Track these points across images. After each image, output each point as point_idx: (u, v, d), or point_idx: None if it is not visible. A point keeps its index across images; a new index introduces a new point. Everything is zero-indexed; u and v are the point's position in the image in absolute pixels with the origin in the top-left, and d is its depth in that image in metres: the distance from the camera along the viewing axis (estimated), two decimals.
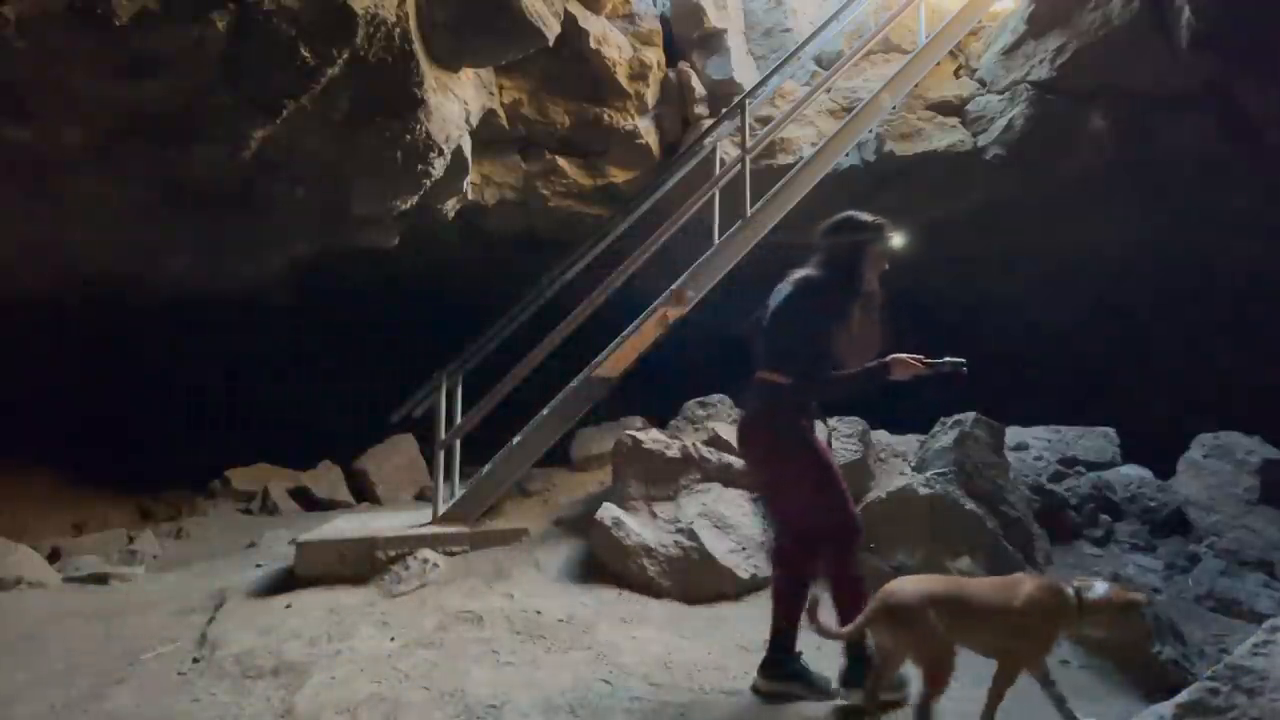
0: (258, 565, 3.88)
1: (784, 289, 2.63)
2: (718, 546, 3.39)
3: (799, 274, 2.63)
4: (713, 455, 3.83)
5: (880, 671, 2.34)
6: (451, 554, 3.61)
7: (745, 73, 5.47)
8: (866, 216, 2.67)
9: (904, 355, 2.47)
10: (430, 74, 3.72)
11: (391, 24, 3.28)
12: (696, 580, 3.33)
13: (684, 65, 5.47)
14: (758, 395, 2.59)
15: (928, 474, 3.50)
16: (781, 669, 2.53)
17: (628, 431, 3.89)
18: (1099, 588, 2.26)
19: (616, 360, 3.99)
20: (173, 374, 6.75)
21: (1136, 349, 6.58)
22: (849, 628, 2.31)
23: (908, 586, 2.26)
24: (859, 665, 2.45)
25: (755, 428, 2.62)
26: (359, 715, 2.35)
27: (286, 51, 3.05)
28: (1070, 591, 2.22)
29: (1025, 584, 2.27)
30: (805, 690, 2.50)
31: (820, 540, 2.54)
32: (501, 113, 4.95)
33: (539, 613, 3.05)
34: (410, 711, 2.36)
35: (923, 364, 2.47)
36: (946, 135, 5.07)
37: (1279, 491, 3.94)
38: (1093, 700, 2.59)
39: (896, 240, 2.79)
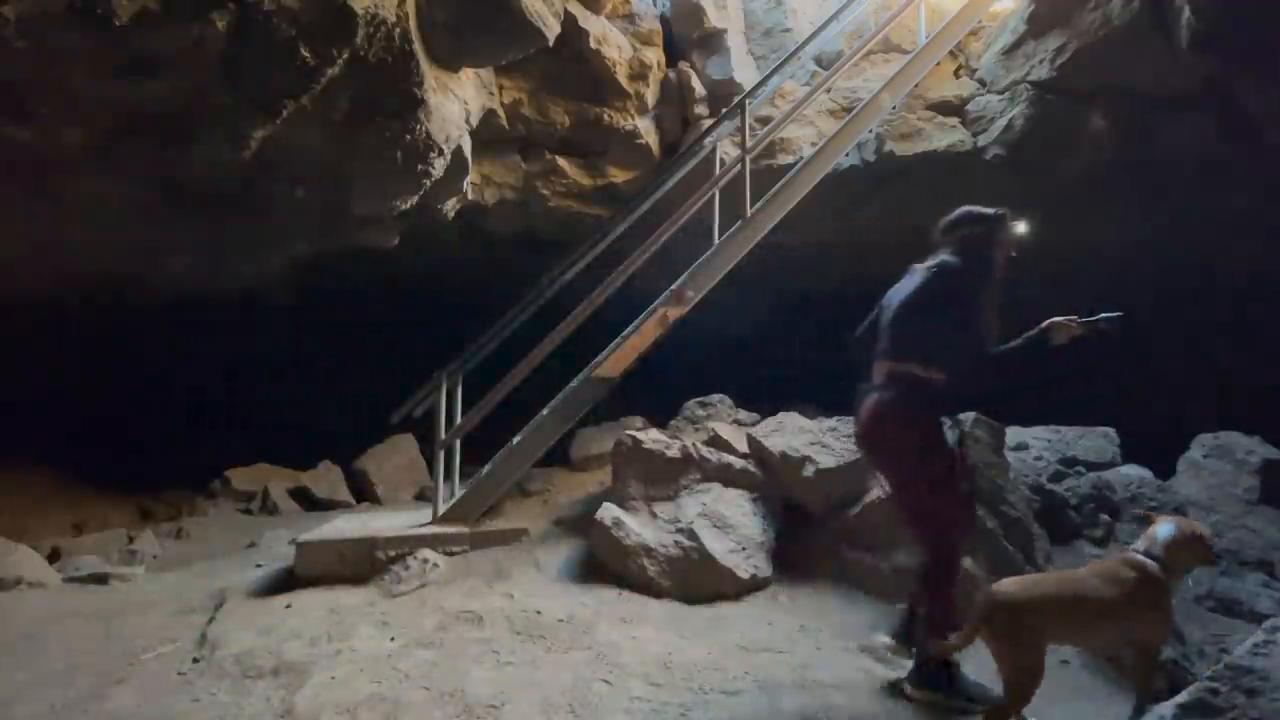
0: (258, 565, 3.88)
1: (920, 282, 2.58)
2: (718, 546, 3.39)
3: (936, 267, 2.57)
4: (713, 455, 3.83)
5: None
6: (451, 554, 3.62)
7: (745, 73, 5.47)
8: (988, 209, 2.66)
9: (1059, 318, 2.44)
10: (430, 74, 3.71)
11: (391, 24, 3.27)
12: (696, 580, 3.33)
13: (684, 65, 5.47)
14: (893, 388, 2.52)
15: None
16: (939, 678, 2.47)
17: (628, 431, 3.89)
18: (1161, 534, 2.26)
19: (616, 360, 3.99)
20: (173, 374, 6.76)
21: (1136, 349, 6.58)
22: (959, 638, 2.25)
23: (1014, 588, 2.21)
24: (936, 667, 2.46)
25: (889, 421, 2.53)
26: (359, 715, 2.35)
27: (286, 51, 3.04)
28: (1150, 563, 2.21)
29: (1117, 570, 2.25)
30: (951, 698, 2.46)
31: (930, 541, 2.50)
32: (501, 113, 4.95)
33: (539, 613, 3.05)
34: (410, 711, 2.37)
35: (1079, 325, 2.43)
36: (946, 135, 5.07)
37: (1279, 491, 3.94)
38: (1092, 700, 2.60)
39: (1021, 228, 2.76)
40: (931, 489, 2.48)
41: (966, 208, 2.70)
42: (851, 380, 2.75)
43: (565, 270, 4.43)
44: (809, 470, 3.63)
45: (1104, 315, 2.45)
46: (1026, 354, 2.43)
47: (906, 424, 2.50)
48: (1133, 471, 4.14)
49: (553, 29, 4.01)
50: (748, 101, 4.58)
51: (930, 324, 2.48)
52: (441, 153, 4.04)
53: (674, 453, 3.77)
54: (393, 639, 2.87)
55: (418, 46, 3.50)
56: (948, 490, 2.50)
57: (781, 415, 4.07)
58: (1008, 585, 2.23)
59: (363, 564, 3.49)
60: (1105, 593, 2.20)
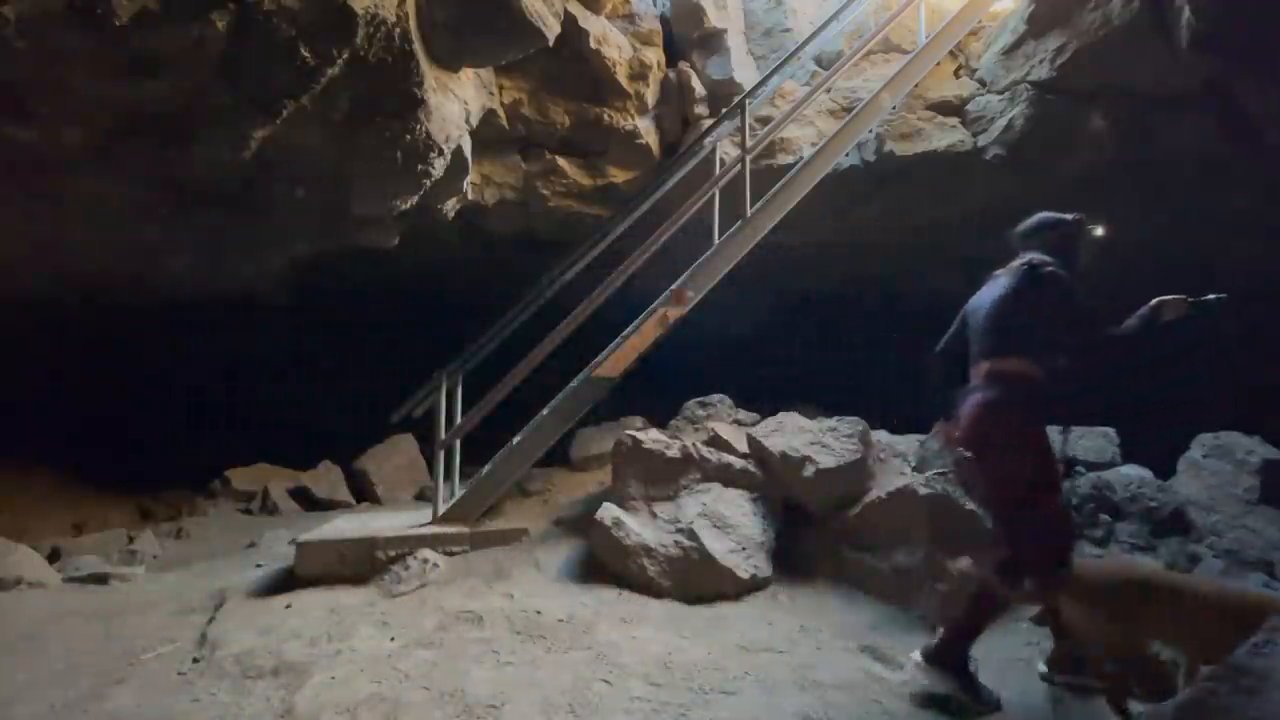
0: (258, 565, 3.89)
1: (1017, 280, 2.58)
2: (718, 546, 3.39)
3: (1027, 265, 2.57)
4: (713, 455, 3.83)
5: (1059, 649, 2.37)
6: (451, 554, 3.62)
7: (745, 73, 5.47)
8: (1064, 214, 2.72)
9: (1167, 296, 2.47)
10: (430, 74, 3.72)
11: (391, 24, 3.28)
12: (696, 580, 3.33)
13: (684, 65, 5.47)
14: (1000, 387, 2.51)
15: (928, 474, 3.50)
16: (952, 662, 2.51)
17: (628, 431, 3.89)
18: None
19: (616, 360, 3.99)
20: (173, 374, 6.76)
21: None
22: (1048, 602, 2.29)
23: (1111, 566, 2.22)
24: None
25: (999, 419, 2.49)
26: (359, 715, 2.35)
27: (286, 51, 3.04)
28: None
29: (1254, 599, 2.16)
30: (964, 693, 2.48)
31: (1031, 546, 2.48)
32: (501, 113, 4.95)
33: (539, 613, 3.05)
34: (410, 711, 2.37)
35: (1188, 302, 2.46)
36: (946, 135, 5.07)
37: (1279, 491, 3.93)
38: (1091, 699, 2.59)
39: (1099, 232, 2.83)
40: (1038, 489, 2.46)
41: (1043, 213, 2.73)
42: (929, 395, 2.78)
43: (565, 270, 4.43)
44: (809, 470, 3.63)
45: (1210, 296, 2.49)
46: (1140, 332, 2.45)
47: (1017, 420, 2.48)
48: (1133, 471, 4.13)
49: (553, 29, 4.01)
50: (748, 101, 4.58)
51: (1038, 317, 2.49)
52: (441, 153, 4.04)
53: (674, 453, 3.77)
54: (393, 639, 2.87)
55: (418, 46, 3.50)
56: (1054, 490, 2.50)
57: (781, 415, 4.07)
58: (1103, 563, 2.22)
59: (363, 564, 3.49)
60: (1208, 602, 2.13)
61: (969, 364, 2.66)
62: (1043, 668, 2.63)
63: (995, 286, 2.67)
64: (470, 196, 5.07)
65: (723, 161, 4.80)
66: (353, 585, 3.40)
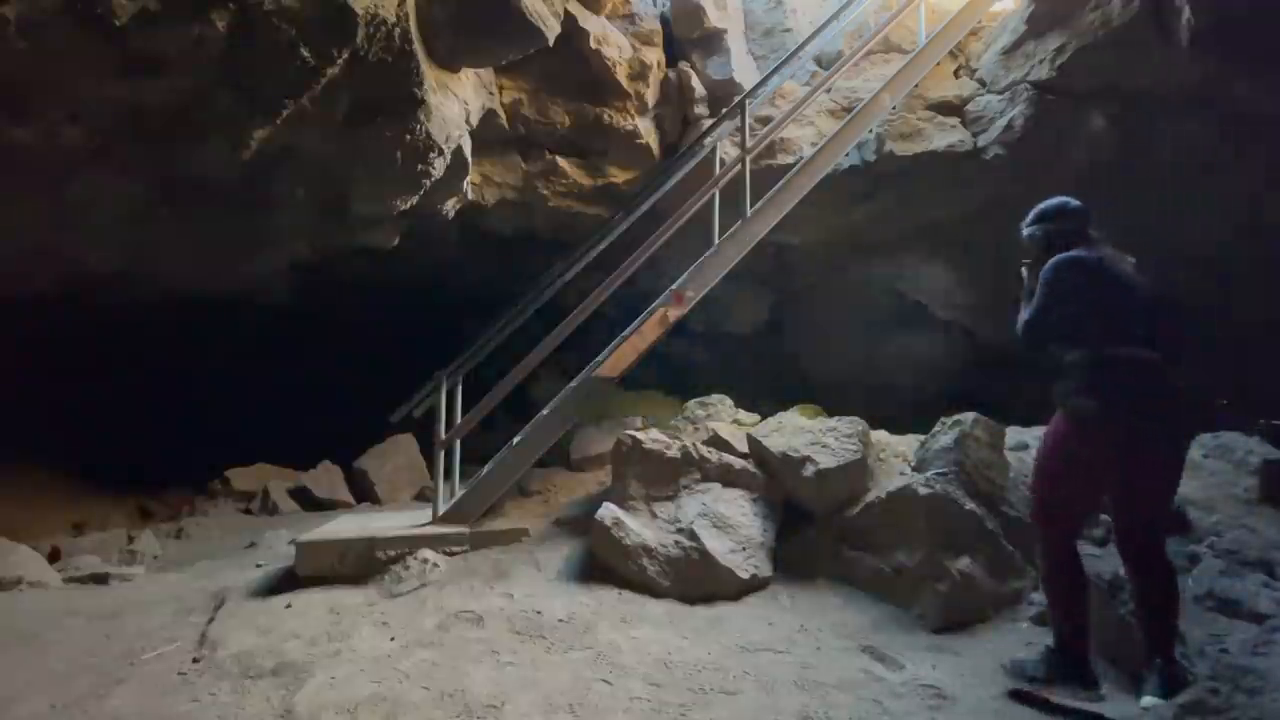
0: (258, 565, 3.89)
1: (1157, 287, 2.66)
2: (718, 546, 3.39)
3: (1154, 277, 2.67)
4: (713, 455, 3.82)
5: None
6: (451, 554, 3.62)
7: (745, 73, 5.47)
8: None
9: None
10: (430, 74, 3.72)
11: (391, 24, 3.28)
12: (696, 580, 3.33)
13: (684, 65, 5.48)
14: (1173, 393, 2.53)
15: (928, 474, 3.50)
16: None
17: (628, 431, 3.89)
18: None
19: (616, 360, 3.99)
20: (172, 373, 6.76)
21: None
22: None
23: None
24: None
25: (1183, 424, 2.58)
26: (359, 715, 2.35)
27: (286, 51, 3.05)
28: None
29: None
30: None
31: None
32: (501, 113, 4.95)
33: (539, 613, 3.05)
34: (410, 711, 2.37)
35: None
36: (946, 135, 5.07)
37: (1279, 491, 3.93)
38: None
39: None
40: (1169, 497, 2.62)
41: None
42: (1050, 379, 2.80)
43: (565, 270, 4.43)
44: (809, 470, 3.63)
45: None
46: None
47: (1189, 427, 2.61)
48: None
49: (553, 29, 4.02)
50: (748, 101, 4.57)
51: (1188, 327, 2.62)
52: (441, 153, 4.04)
53: (674, 453, 3.77)
54: (393, 639, 2.87)
55: (418, 46, 3.51)
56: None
57: (781, 415, 4.07)
58: None
59: (363, 564, 3.49)
60: None
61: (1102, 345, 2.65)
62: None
63: (1130, 277, 2.68)
64: (470, 196, 5.07)
65: (723, 161, 4.80)
66: (353, 585, 3.40)
